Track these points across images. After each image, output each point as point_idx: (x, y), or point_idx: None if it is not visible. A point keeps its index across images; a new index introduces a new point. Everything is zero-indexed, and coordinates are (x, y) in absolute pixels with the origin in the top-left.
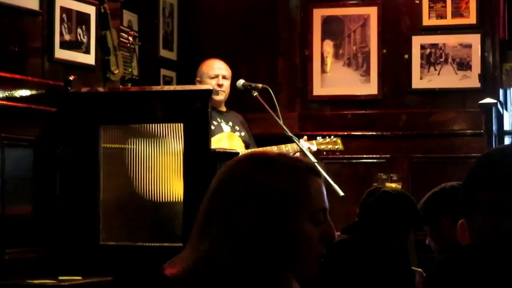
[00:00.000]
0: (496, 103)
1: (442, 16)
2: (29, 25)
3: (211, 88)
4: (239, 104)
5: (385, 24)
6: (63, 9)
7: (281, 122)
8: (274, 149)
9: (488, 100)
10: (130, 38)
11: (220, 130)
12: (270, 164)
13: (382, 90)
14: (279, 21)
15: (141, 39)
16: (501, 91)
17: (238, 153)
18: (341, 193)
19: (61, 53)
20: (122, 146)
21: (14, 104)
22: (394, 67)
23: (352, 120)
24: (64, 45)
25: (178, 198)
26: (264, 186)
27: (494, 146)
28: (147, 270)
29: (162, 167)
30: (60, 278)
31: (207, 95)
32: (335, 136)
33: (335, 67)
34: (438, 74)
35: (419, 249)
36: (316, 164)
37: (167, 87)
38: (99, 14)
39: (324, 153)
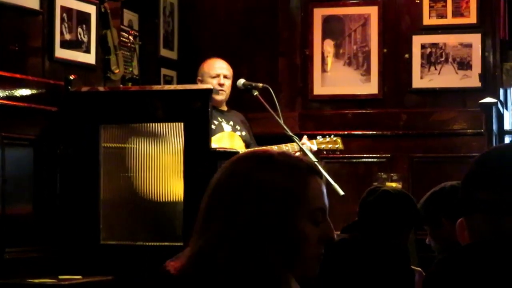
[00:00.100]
0: (497, 102)
1: (442, 15)
2: (30, 24)
3: (212, 87)
4: (240, 103)
5: (385, 24)
6: (64, 9)
7: (281, 122)
8: (274, 148)
9: (488, 99)
10: (131, 38)
11: (221, 129)
12: (269, 162)
13: (382, 90)
14: (280, 21)
15: (141, 39)
16: (501, 91)
17: (238, 153)
18: (341, 193)
19: (61, 53)
20: (123, 145)
21: (14, 103)
22: (394, 67)
23: (353, 120)
24: (65, 44)
25: (178, 197)
26: (263, 184)
27: (494, 145)
28: (148, 270)
29: (162, 167)
30: (60, 277)
31: (208, 94)
32: (335, 135)
33: (335, 67)
34: (439, 73)
35: (419, 248)
36: (316, 163)
37: (167, 87)
38: (99, 14)
39: (324, 152)
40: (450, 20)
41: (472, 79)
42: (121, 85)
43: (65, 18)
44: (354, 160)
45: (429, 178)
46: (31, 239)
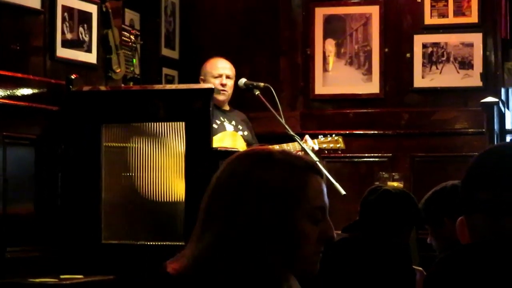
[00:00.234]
0: (498, 102)
1: (444, 15)
2: (31, 23)
3: (213, 87)
4: (241, 103)
5: (387, 23)
6: (65, 8)
7: (283, 121)
8: (276, 147)
9: (490, 99)
10: (132, 37)
11: (223, 129)
12: (268, 161)
13: (384, 89)
14: (281, 20)
15: (143, 38)
16: (502, 90)
17: None
18: (343, 192)
19: (62, 52)
20: (124, 145)
21: (15, 102)
22: (396, 66)
23: (354, 119)
24: (66, 43)
25: (179, 196)
26: (263, 183)
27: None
28: (149, 269)
29: (163, 166)
30: (62, 276)
31: (209, 94)
32: (337, 134)
33: (337, 66)
34: (440, 73)
35: (420, 247)
36: (317, 163)
37: (168, 86)
38: (100, 13)
39: (326, 152)
40: (451, 19)
41: (473, 79)
42: (123, 85)
43: (67, 17)
44: (356, 160)
45: (431, 177)
46: (32, 239)
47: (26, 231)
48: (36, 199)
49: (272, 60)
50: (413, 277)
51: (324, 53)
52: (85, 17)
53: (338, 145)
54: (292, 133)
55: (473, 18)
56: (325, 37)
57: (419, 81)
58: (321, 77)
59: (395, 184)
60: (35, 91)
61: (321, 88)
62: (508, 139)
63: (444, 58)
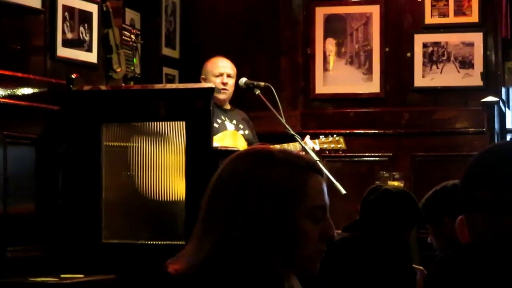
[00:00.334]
0: (498, 101)
1: (444, 14)
2: (32, 23)
3: (213, 86)
4: (242, 102)
5: (387, 23)
6: (65, 7)
7: (283, 121)
8: (276, 147)
9: (490, 98)
10: (133, 36)
11: (224, 128)
12: (269, 160)
13: (384, 89)
14: (282, 20)
15: (143, 37)
16: (503, 90)
17: None
18: (343, 191)
19: (63, 51)
20: (124, 144)
21: (16, 102)
22: (396, 66)
23: (355, 118)
24: (66, 43)
25: (180, 196)
26: (263, 182)
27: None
28: (149, 268)
29: (164, 165)
30: (62, 276)
31: (209, 93)
32: (338, 134)
33: (337, 66)
34: (441, 72)
35: (421, 247)
36: (318, 162)
37: (169, 85)
38: (101, 12)
39: (327, 152)
40: (452, 19)
41: (474, 78)
42: (123, 84)
43: (67, 17)
44: (356, 159)
45: (431, 176)
46: (33, 238)
47: (26, 230)
48: (37, 198)
49: (273, 60)
50: (413, 276)
51: (324, 52)
52: (85, 17)
53: (339, 146)
54: (292, 132)
55: (474, 17)
56: (325, 36)
57: (419, 81)
58: (321, 77)
59: (396, 183)
60: (36, 90)
61: (321, 87)
62: (508, 138)
63: (444, 58)
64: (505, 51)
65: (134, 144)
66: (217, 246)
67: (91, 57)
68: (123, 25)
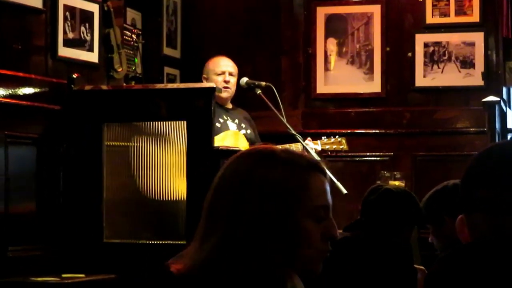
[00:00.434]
0: (499, 101)
1: (445, 14)
2: (33, 23)
3: (214, 86)
4: (243, 102)
5: (388, 22)
6: (67, 7)
7: (284, 120)
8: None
9: (491, 98)
10: (134, 36)
11: (226, 128)
12: (271, 159)
13: (385, 88)
14: (283, 19)
15: (144, 37)
16: (504, 89)
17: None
18: (344, 191)
19: (64, 51)
20: (125, 144)
21: (17, 102)
22: (397, 65)
23: (356, 118)
24: (68, 43)
25: (181, 196)
26: (264, 182)
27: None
28: (150, 268)
29: (165, 165)
30: (63, 275)
31: (210, 92)
32: (338, 134)
33: (338, 65)
34: (442, 72)
35: (422, 247)
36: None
37: (170, 85)
38: (102, 12)
39: (329, 153)
40: (453, 18)
41: (475, 78)
42: (124, 84)
43: (68, 16)
44: (357, 159)
45: (432, 176)
46: (34, 238)
47: (28, 230)
48: (38, 198)
49: (274, 60)
50: (414, 276)
51: (325, 52)
52: (86, 16)
53: (341, 147)
54: (293, 132)
55: (475, 17)
56: (326, 36)
57: (420, 80)
58: (322, 76)
59: (397, 183)
60: (37, 90)
61: (322, 87)
62: (509, 138)
63: (445, 57)
64: (506, 51)
65: (135, 144)
66: (219, 246)
67: (92, 56)
68: (124, 25)
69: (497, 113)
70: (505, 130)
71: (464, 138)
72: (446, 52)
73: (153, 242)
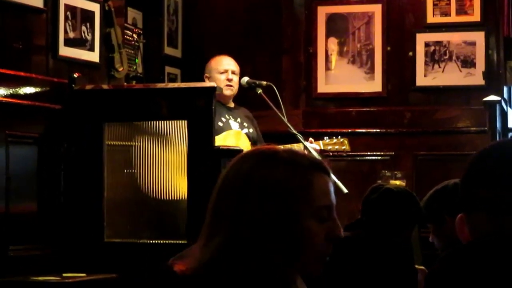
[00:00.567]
0: (500, 100)
1: (446, 13)
2: (34, 22)
3: (215, 85)
4: (244, 101)
5: (389, 22)
6: (68, 7)
7: (285, 120)
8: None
9: (492, 97)
10: (135, 36)
11: (229, 127)
12: (273, 160)
13: (386, 88)
14: (284, 19)
15: (145, 37)
16: (505, 89)
17: (242, 151)
18: (345, 190)
19: (65, 51)
20: (126, 143)
21: (18, 101)
22: (398, 65)
23: (357, 118)
24: (69, 42)
25: (182, 195)
26: (266, 182)
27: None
28: (151, 268)
29: (166, 165)
30: (64, 275)
31: (211, 92)
32: (339, 133)
33: (339, 65)
34: (442, 71)
35: (423, 246)
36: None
37: (171, 85)
38: (103, 12)
39: (331, 153)
40: (454, 18)
41: (475, 77)
42: (125, 83)
43: (69, 16)
44: (358, 158)
45: (433, 176)
46: (35, 237)
47: (28, 229)
48: (39, 197)
49: (275, 59)
50: (414, 275)
51: (326, 51)
52: (87, 16)
53: (343, 147)
54: (294, 131)
55: (476, 16)
56: (327, 35)
57: (421, 80)
58: (323, 76)
59: (398, 182)
60: (38, 89)
61: (323, 86)
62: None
63: (446, 57)
64: (507, 50)
65: (136, 143)
66: (223, 246)
67: (93, 56)
68: (125, 24)
69: (498, 113)
70: (506, 129)
71: (465, 138)
72: (447, 51)
73: (154, 241)
